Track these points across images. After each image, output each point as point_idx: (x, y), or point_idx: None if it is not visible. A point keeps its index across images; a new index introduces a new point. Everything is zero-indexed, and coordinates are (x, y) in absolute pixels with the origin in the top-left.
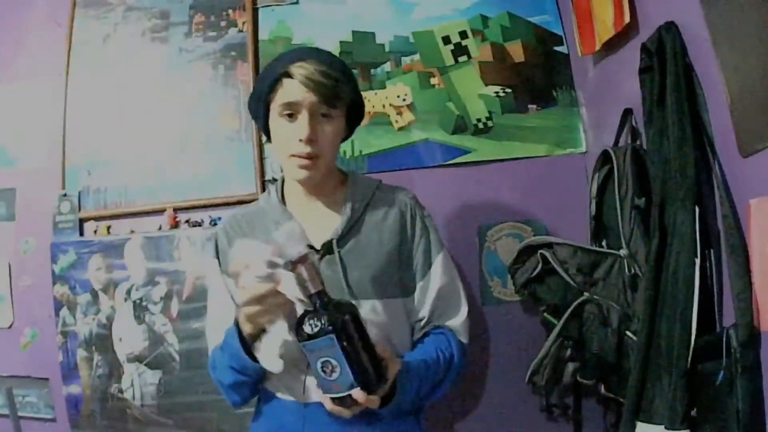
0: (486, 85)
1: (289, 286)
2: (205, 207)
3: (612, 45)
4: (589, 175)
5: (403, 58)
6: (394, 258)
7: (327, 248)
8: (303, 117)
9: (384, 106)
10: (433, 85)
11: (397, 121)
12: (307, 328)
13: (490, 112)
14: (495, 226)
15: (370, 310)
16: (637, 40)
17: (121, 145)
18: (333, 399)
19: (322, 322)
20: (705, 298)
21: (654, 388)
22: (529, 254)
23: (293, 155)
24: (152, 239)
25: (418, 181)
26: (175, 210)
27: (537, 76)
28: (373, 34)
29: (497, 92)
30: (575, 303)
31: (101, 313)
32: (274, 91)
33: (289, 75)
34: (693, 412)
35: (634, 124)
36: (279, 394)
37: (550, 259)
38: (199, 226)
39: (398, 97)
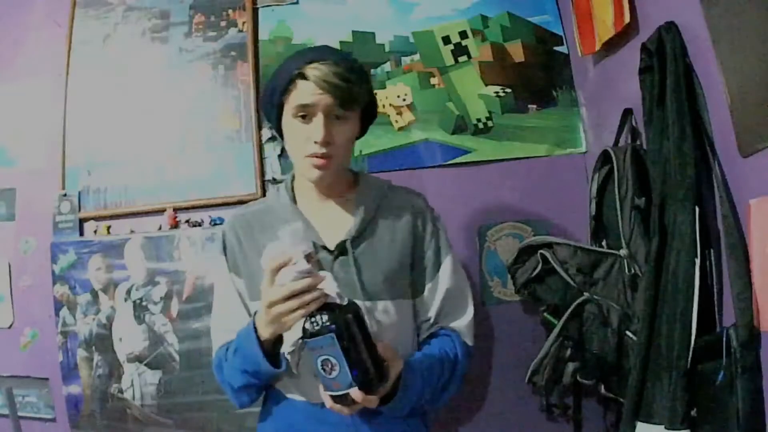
0: (486, 85)
1: (329, 284)
2: (205, 207)
3: (612, 45)
4: (589, 175)
5: (403, 58)
6: (405, 259)
7: (341, 249)
8: (318, 119)
9: (384, 106)
10: (433, 85)
11: (397, 121)
12: (308, 326)
13: (490, 112)
14: (495, 226)
15: (382, 310)
16: (637, 40)
17: (121, 145)
18: (333, 397)
19: (323, 320)
20: (705, 298)
21: (654, 388)
22: (529, 254)
23: (308, 156)
24: (152, 239)
25: (418, 181)
26: (175, 210)
27: (537, 76)
28: (373, 34)
29: (497, 92)
30: (575, 303)
31: (101, 313)
32: (287, 92)
33: (303, 76)
34: (693, 412)
35: (634, 124)
36: (289, 395)
37: (550, 259)
38: (199, 226)
39: (398, 97)
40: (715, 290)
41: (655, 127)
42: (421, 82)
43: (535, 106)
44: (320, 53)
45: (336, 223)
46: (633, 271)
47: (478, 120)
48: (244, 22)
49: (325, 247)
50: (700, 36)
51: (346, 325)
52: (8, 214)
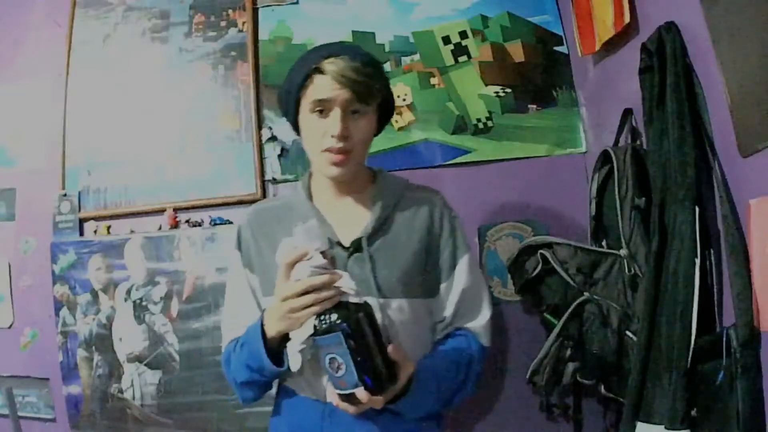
0: (486, 85)
1: (346, 282)
2: (205, 207)
3: (612, 45)
4: (589, 175)
5: (403, 58)
6: (422, 258)
7: (356, 246)
8: (335, 113)
9: None
10: (433, 85)
11: (397, 121)
12: (318, 323)
13: (490, 112)
14: (495, 226)
15: (397, 309)
16: (637, 40)
17: (121, 145)
18: (340, 395)
19: (332, 319)
20: (705, 298)
21: (654, 388)
22: (529, 254)
23: (325, 150)
24: (152, 239)
25: (418, 181)
26: (175, 210)
27: (537, 76)
28: (373, 34)
29: (497, 92)
30: (575, 303)
31: (101, 313)
32: (304, 88)
33: (320, 71)
34: (693, 412)
35: (634, 124)
36: (302, 393)
37: (550, 259)
38: (199, 226)
39: (398, 97)
40: (715, 290)
41: (655, 127)
42: (421, 82)
43: (535, 106)
44: (337, 48)
45: (352, 220)
46: (633, 271)
47: (478, 120)
48: (244, 22)
49: (340, 244)
50: (700, 36)
51: (355, 325)
52: (8, 214)
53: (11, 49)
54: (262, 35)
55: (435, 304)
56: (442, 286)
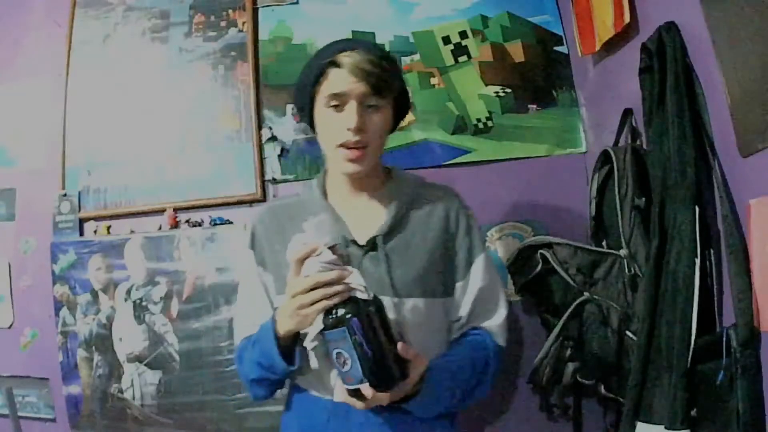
0: (486, 85)
1: (356, 279)
2: (205, 207)
3: (612, 45)
4: (589, 175)
5: (403, 58)
6: (437, 257)
7: (371, 245)
8: (351, 106)
9: None
10: (433, 85)
11: None
12: (325, 318)
13: (490, 112)
14: (495, 226)
15: (412, 308)
16: (637, 40)
17: (121, 145)
18: (348, 390)
19: (338, 314)
20: (705, 298)
21: (654, 388)
22: (529, 254)
23: (340, 145)
24: (152, 239)
25: None
26: (175, 210)
27: (537, 76)
28: (373, 34)
29: (497, 92)
30: (575, 303)
31: (101, 313)
32: (319, 83)
33: (335, 64)
34: (693, 412)
35: (634, 124)
36: (314, 392)
37: (550, 259)
38: (199, 226)
39: None
40: (715, 290)
41: (655, 127)
42: (421, 82)
43: (535, 106)
44: (351, 43)
45: (367, 218)
46: (633, 271)
47: (478, 120)
48: (244, 22)
49: (355, 242)
50: (700, 36)
51: (361, 321)
52: (8, 214)
53: (11, 49)
54: (262, 35)
55: (451, 303)
56: (458, 285)
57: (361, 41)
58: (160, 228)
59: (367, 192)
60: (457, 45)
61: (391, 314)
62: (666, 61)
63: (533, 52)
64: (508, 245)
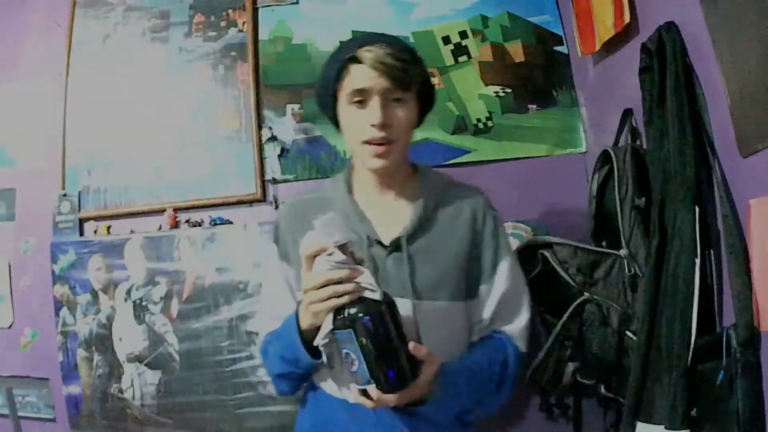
0: (486, 85)
1: (366, 279)
2: (205, 207)
3: (612, 45)
4: (589, 175)
5: None
6: (462, 259)
7: (395, 245)
8: (374, 102)
9: None
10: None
11: None
12: (334, 318)
13: (490, 112)
14: None
15: (432, 310)
16: (637, 40)
17: (121, 145)
18: (359, 390)
19: (346, 314)
20: (705, 298)
21: (654, 388)
22: (529, 254)
23: (366, 141)
24: (152, 239)
25: None
26: (175, 210)
27: (537, 76)
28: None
29: (497, 92)
30: (575, 303)
31: (101, 313)
32: (341, 79)
33: (356, 60)
34: (693, 412)
35: (634, 124)
36: (329, 391)
37: (550, 259)
38: (199, 226)
39: None
40: (715, 290)
41: (655, 127)
42: None
43: (535, 106)
44: (371, 37)
45: (392, 217)
46: (633, 271)
47: (478, 120)
48: (244, 22)
49: (379, 242)
50: (700, 36)
51: (369, 323)
52: (8, 214)
53: (11, 49)
54: (262, 35)
55: (473, 305)
56: (482, 288)
57: (380, 35)
58: (160, 228)
59: (393, 188)
60: (457, 45)
61: (409, 315)
62: (666, 61)
63: (533, 52)
64: None
